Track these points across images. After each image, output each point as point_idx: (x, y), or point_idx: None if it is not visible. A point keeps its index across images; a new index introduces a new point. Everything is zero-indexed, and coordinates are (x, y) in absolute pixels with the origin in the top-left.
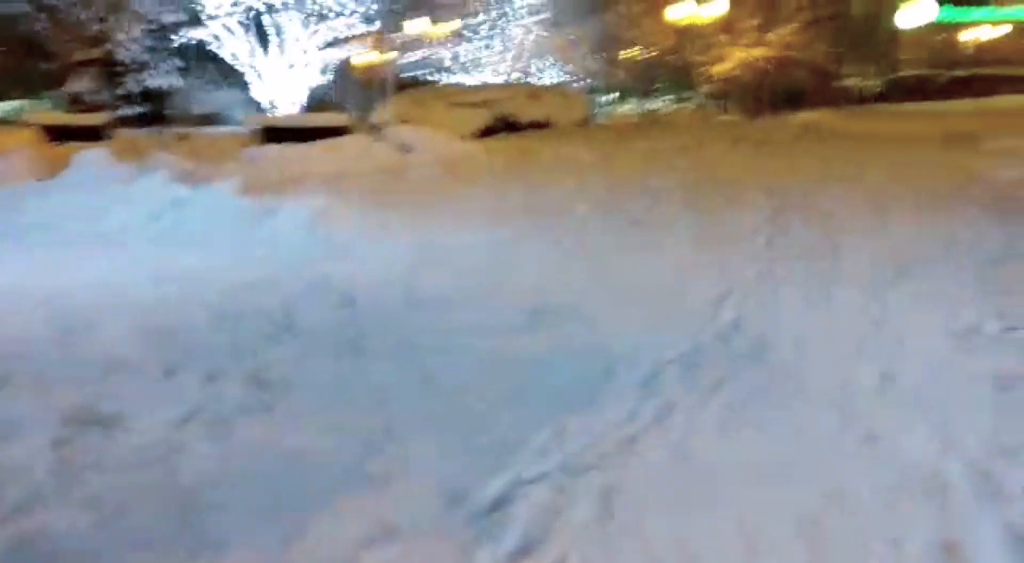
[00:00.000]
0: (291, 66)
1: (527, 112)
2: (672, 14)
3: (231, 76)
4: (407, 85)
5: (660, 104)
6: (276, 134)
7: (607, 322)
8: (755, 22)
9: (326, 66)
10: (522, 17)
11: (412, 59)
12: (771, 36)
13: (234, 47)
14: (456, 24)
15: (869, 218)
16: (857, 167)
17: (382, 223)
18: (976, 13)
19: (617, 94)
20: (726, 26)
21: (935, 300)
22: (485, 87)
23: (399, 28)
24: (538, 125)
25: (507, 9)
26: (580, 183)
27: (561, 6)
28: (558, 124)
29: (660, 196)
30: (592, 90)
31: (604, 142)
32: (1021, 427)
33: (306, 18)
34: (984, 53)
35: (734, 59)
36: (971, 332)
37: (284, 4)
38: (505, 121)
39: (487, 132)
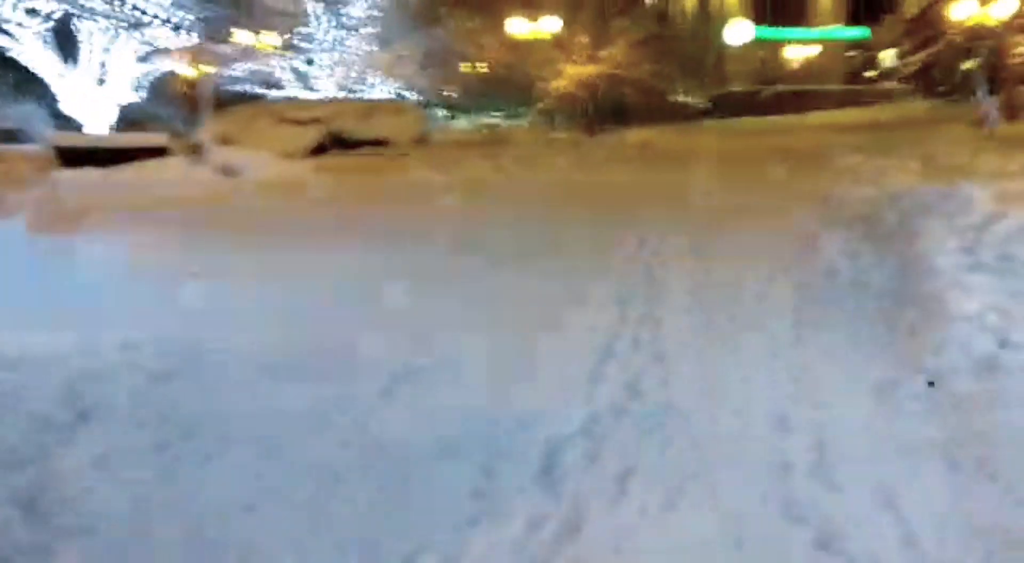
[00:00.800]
0: (100, 80)
1: (362, 129)
2: (506, 29)
3: (36, 87)
4: (234, 100)
5: (495, 120)
6: (79, 156)
7: (483, 389)
8: (587, 39)
9: (141, 80)
10: (354, 30)
11: (238, 73)
12: (602, 54)
13: (36, 56)
14: (283, 36)
15: (746, 250)
16: (710, 191)
17: (204, 264)
18: (789, 33)
19: (450, 110)
20: (560, 43)
21: (841, 347)
22: (316, 103)
23: (225, 39)
24: (375, 143)
25: (337, 22)
26: (434, 212)
27: (391, 20)
28: (395, 142)
29: (516, 225)
30: (425, 106)
31: (447, 161)
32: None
33: (116, 27)
34: (802, 70)
35: (568, 76)
36: (892, 388)
37: (90, 10)
38: (339, 139)
39: (319, 150)
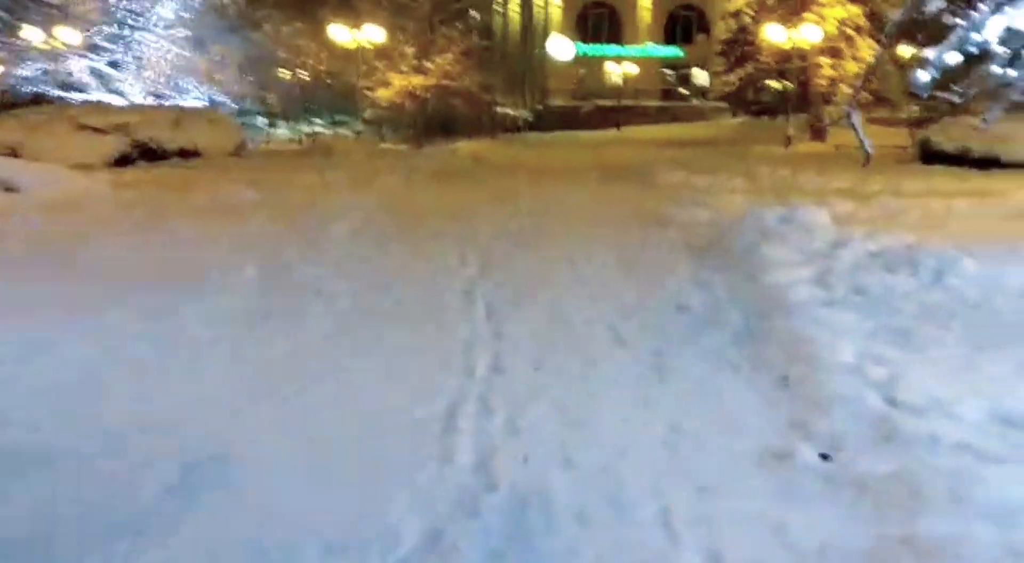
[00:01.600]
0: None
1: (173, 139)
2: (331, 36)
3: None
4: (25, 103)
5: (319, 130)
6: None
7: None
8: (412, 49)
9: None
10: (164, 31)
11: (29, 72)
12: (429, 65)
13: None
14: (83, 34)
15: (587, 284)
16: (543, 211)
17: None
18: (608, 50)
19: (269, 119)
20: (384, 52)
21: (711, 401)
22: (122, 109)
23: (11, 34)
24: (186, 154)
25: (143, 22)
26: (243, 237)
27: (205, 22)
28: (209, 153)
29: (344, 247)
30: (243, 113)
31: (266, 175)
32: None
33: None
34: (621, 87)
35: (395, 86)
36: (781, 462)
37: None
38: (145, 149)
39: (122, 162)
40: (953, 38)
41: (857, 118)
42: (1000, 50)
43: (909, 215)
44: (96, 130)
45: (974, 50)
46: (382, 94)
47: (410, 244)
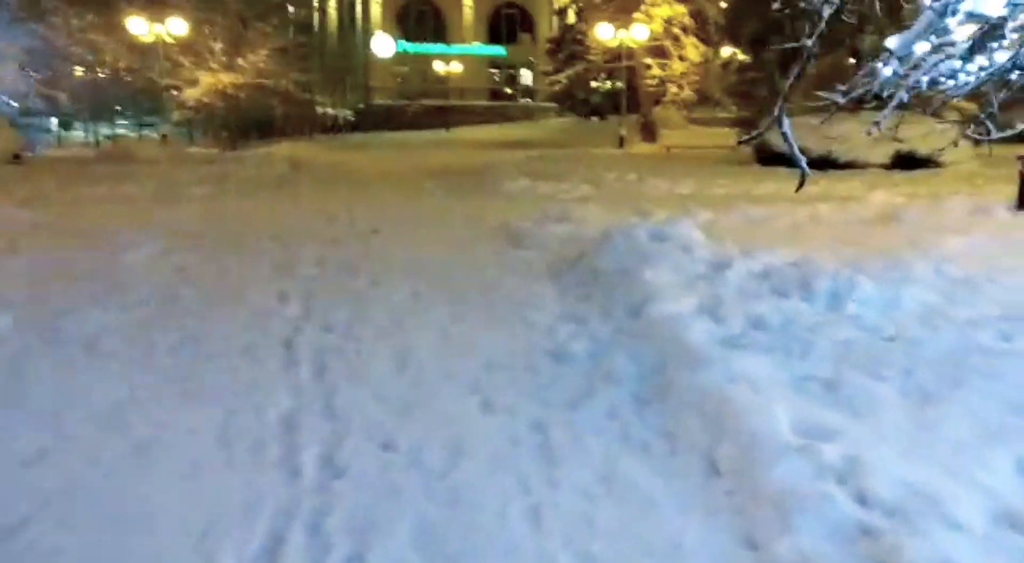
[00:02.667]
0: None
1: None
2: (130, 29)
3: None
4: None
5: (123, 132)
6: None
7: None
8: (222, 45)
9: None
10: None
11: None
12: (241, 61)
13: None
14: None
15: (435, 318)
16: (374, 227)
17: None
18: (432, 48)
19: (61, 120)
20: (190, 48)
21: (625, 515)
22: None
23: None
24: None
25: None
26: (5, 274)
27: None
28: None
29: (137, 284)
30: (27, 114)
31: (49, 189)
32: None
33: None
34: (448, 86)
35: (203, 85)
36: None
37: None
38: None
39: None
40: (920, 23)
41: (788, 126)
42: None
43: (776, 224)
44: None
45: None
46: (190, 93)
47: (220, 279)
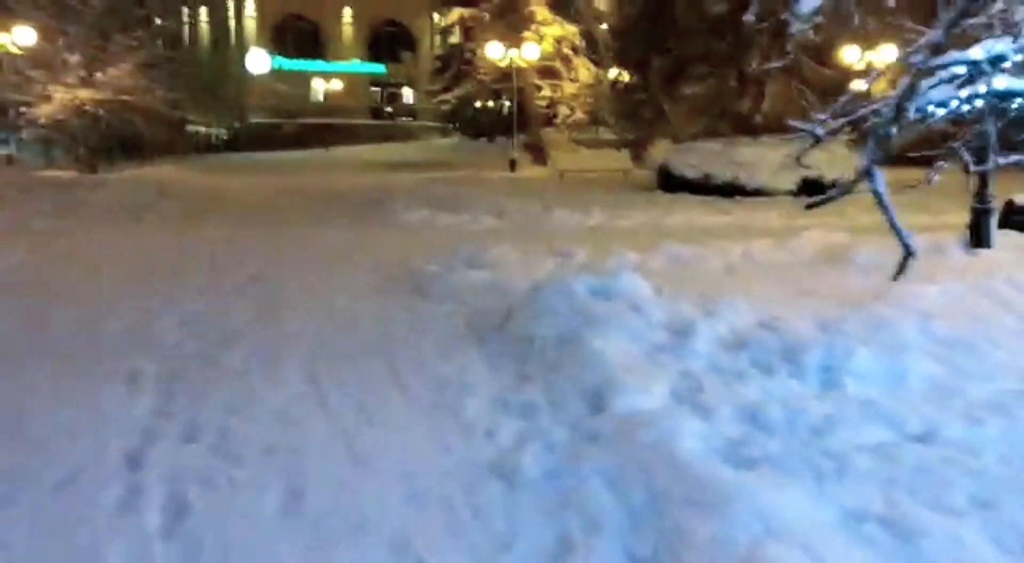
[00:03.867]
0: None
1: None
2: None
3: None
4: None
5: None
6: None
7: None
8: (78, 58)
9: None
10: None
11: None
12: (100, 76)
13: None
14: None
15: (340, 420)
16: (253, 273)
17: None
18: (309, 65)
19: None
20: (44, 61)
21: None
22: None
23: None
24: None
25: None
26: None
27: None
28: None
29: None
30: None
31: None
32: None
33: None
34: (327, 104)
35: (57, 101)
36: None
37: None
38: None
39: None
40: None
41: (883, 184)
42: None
43: (709, 266)
44: None
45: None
46: (43, 110)
47: (57, 350)
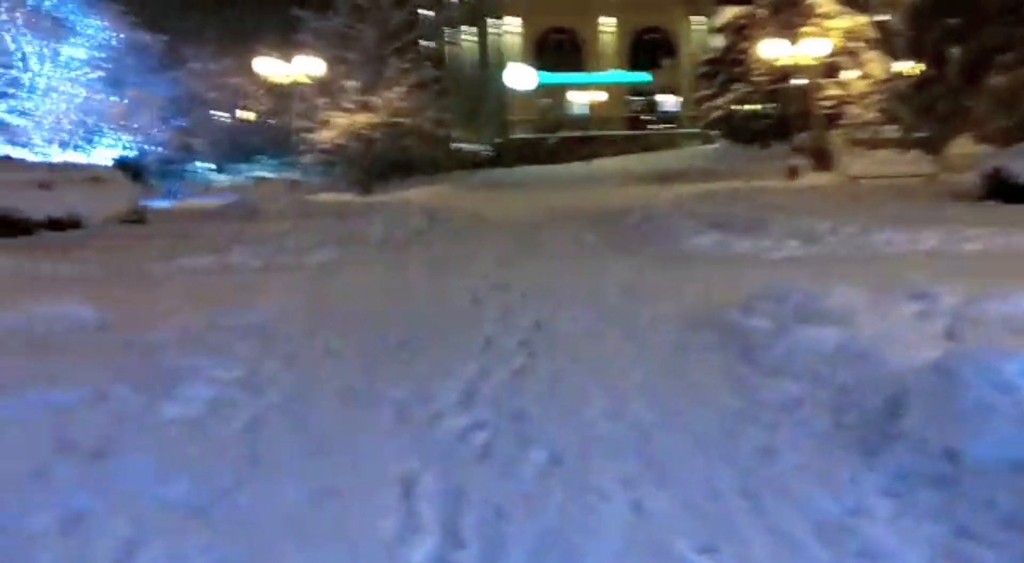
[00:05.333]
0: None
1: (39, 206)
2: (264, 72)
3: None
4: None
5: (264, 175)
6: None
7: None
8: (355, 84)
9: None
10: (79, 72)
11: None
12: (376, 100)
13: None
14: None
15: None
16: (532, 305)
17: None
18: (571, 78)
19: (203, 166)
20: (326, 88)
21: None
22: None
23: None
24: (59, 225)
25: (54, 64)
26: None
27: (123, 62)
28: (93, 221)
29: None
30: (169, 162)
31: (142, 260)
32: None
33: None
34: (586, 116)
35: (337, 126)
36: None
37: None
38: (2, 221)
39: None
40: None
41: None
42: None
43: None
44: None
45: None
46: (325, 136)
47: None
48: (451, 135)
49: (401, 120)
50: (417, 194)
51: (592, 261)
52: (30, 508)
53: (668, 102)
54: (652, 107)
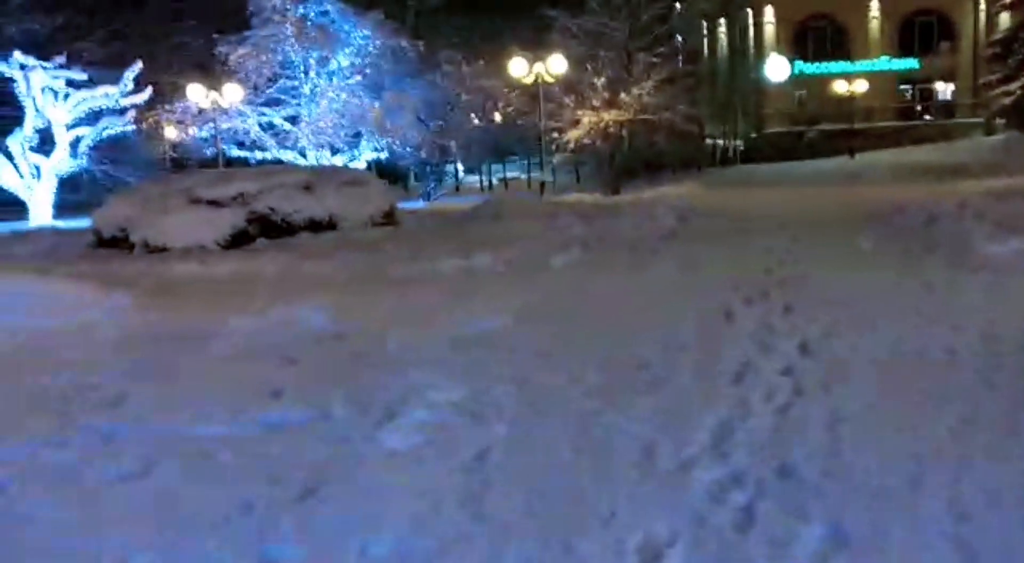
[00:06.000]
0: (40, 147)
1: (300, 209)
2: (514, 73)
3: None
4: (204, 164)
5: (512, 175)
6: None
7: None
8: (604, 81)
9: (79, 147)
10: (344, 78)
11: (206, 132)
12: (625, 97)
13: None
14: (256, 90)
15: None
16: (824, 346)
17: None
18: (832, 66)
19: (455, 168)
20: (573, 86)
21: None
22: (238, 173)
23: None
24: (317, 226)
25: (322, 71)
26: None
27: (381, 67)
28: (347, 224)
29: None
30: (423, 164)
31: (385, 264)
32: None
33: (58, 88)
34: (847, 107)
35: (585, 124)
36: None
37: (30, 68)
38: (267, 223)
39: (239, 240)
40: None
41: None
42: None
43: None
44: (210, 203)
45: None
46: (572, 134)
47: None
48: (703, 130)
49: (651, 116)
50: (667, 192)
51: (867, 271)
52: (224, 552)
53: (941, 90)
54: (925, 96)
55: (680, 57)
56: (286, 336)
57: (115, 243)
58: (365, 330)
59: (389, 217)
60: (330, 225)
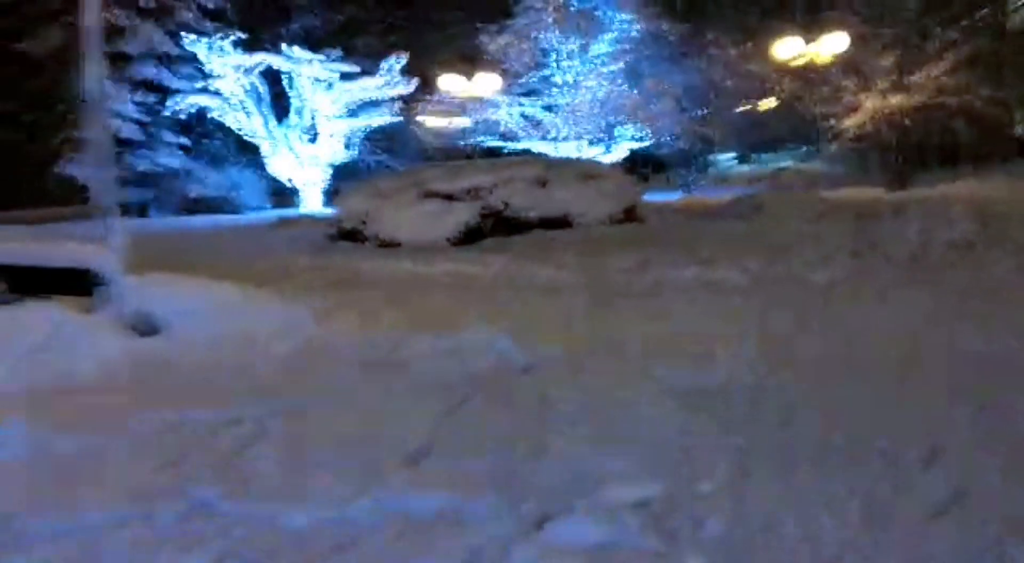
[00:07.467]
0: (311, 137)
1: (534, 204)
2: (782, 53)
3: (245, 151)
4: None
5: (784, 164)
6: None
7: None
8: (890, 61)
9: (351, 137)
10: (602, 65)
11: (464, 123)
12: (915, 79)
13: (242, 116)
14: (513, 79)
15: None
16: None
17: None
18: None
19: (722, 156)
20: (852, 67)
21: None
22: (472, 166)
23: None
24: (551, 223)
25: (582, 59)
26: None
27: (642, 50)
28: (583, 221)
29: None
30: (686, 153)
31: (622, 271)
32: None
33: (328, 79)
34: None
35: (865, 110)
36: None
37: (306, 61)
38: (500, 218)
39: (471, 237)
40: None
41: None
42: None
43: None
44: (444, 197)
45: None
46: (850, 122)
47: None
48: (1011, 117)
49: (944, 101)
50: (965, 189)
51: None
52: None
53: None
54: None
55: (985, 34)
56: (472, 366)
57: (353, 235)
58: (567, 367)
59: (630, 213)
60: (564, 222)
